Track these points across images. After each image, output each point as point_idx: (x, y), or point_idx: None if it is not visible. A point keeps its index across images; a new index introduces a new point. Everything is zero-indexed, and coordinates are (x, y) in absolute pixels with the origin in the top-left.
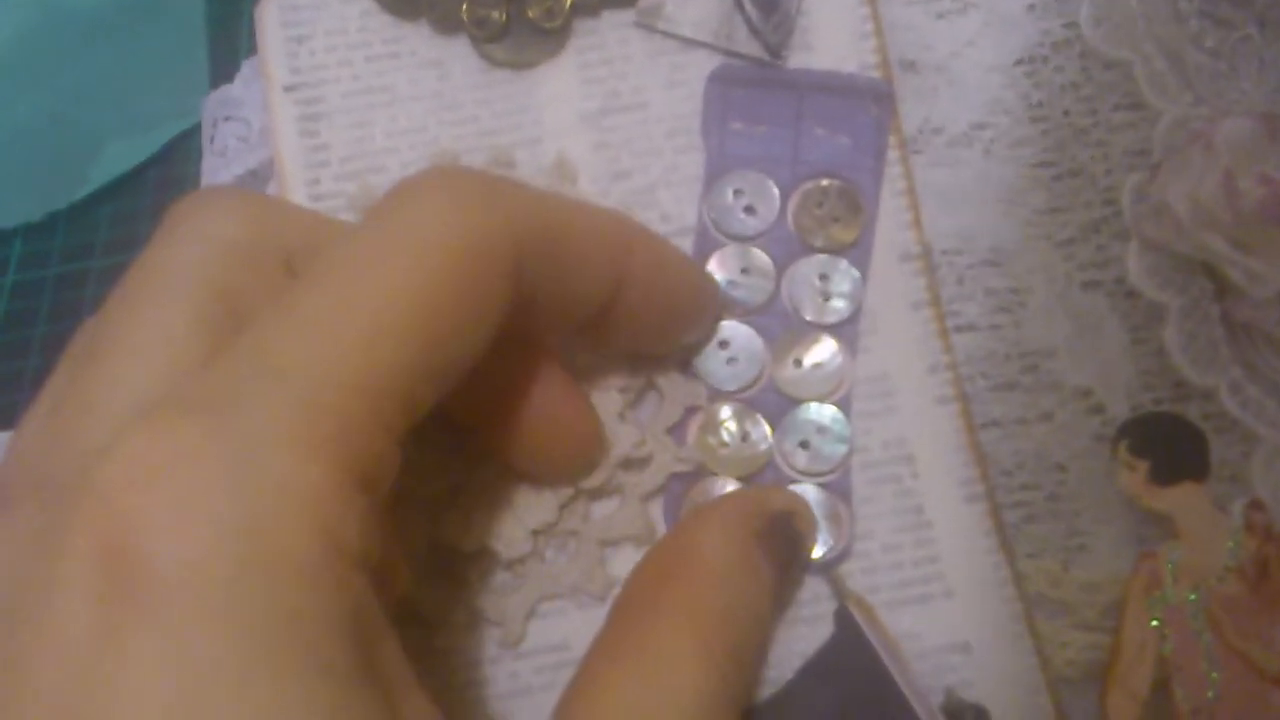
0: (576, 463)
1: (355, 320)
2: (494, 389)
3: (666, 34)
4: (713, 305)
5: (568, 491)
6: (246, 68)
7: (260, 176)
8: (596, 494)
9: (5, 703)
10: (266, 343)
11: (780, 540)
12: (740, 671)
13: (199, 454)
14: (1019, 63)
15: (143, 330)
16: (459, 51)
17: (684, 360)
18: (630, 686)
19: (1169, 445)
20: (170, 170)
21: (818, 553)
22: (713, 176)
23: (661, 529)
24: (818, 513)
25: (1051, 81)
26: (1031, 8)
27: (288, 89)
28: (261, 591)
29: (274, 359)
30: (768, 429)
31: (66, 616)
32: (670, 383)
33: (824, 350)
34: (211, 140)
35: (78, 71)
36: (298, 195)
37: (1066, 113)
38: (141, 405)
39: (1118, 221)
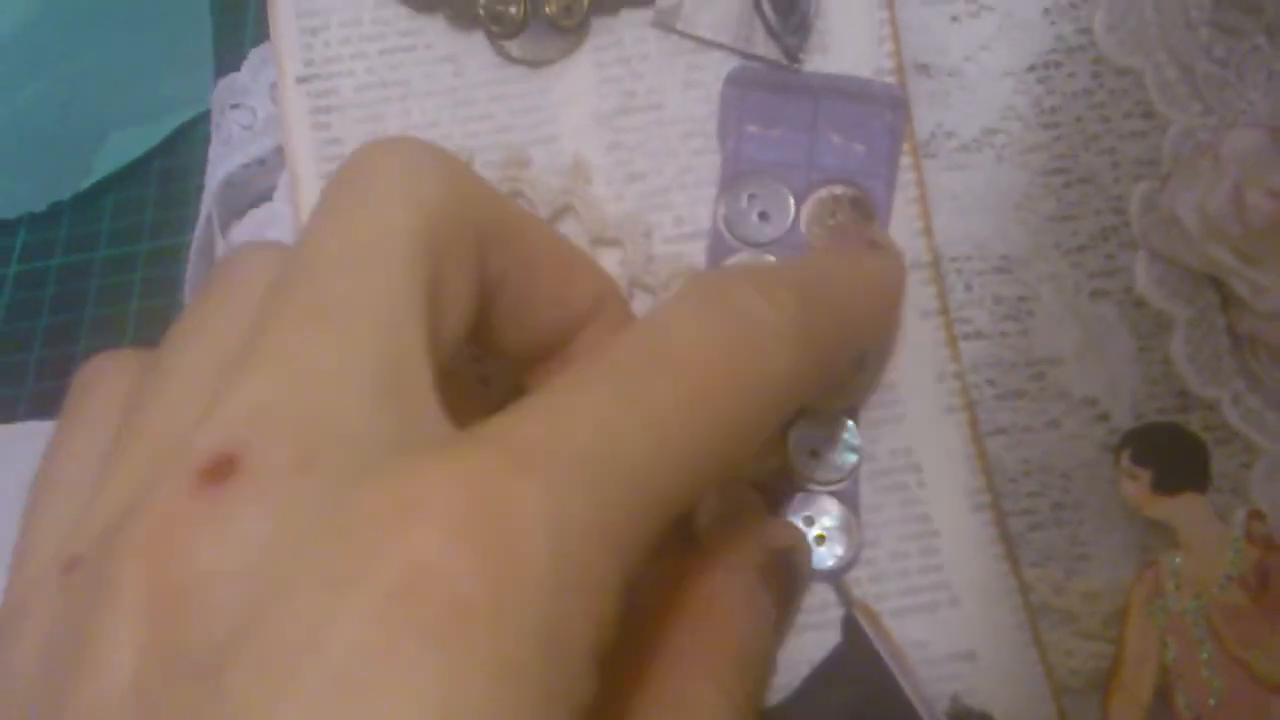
0: None
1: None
2: None
3: (684, 35)
4: None
5: None
6: (254, 55)
7: (268, 166)
8: None
9: None
10: None
11: (781, 575)
12: (755, 713)
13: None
14: (1032, 68)
15: (348, 309)
16: (475, 47)
17: None
18: None
19: (1171, 455)
20: (175, 160)
21: (828, 563)
22: (728, 181)
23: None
24: (830, 522)
25: (1064, 88)
26: (1047, 12)
27: (300, 80)
28: None
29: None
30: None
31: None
32: None
33: None
34: (217, 127)
35: (82, 60)
36: (309, 188)
37: (1079, 119)
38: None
39: (1126, 231)
